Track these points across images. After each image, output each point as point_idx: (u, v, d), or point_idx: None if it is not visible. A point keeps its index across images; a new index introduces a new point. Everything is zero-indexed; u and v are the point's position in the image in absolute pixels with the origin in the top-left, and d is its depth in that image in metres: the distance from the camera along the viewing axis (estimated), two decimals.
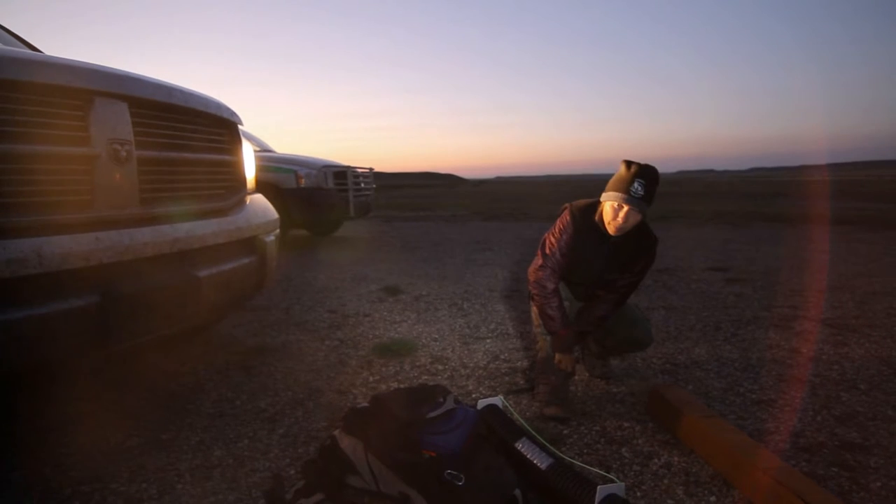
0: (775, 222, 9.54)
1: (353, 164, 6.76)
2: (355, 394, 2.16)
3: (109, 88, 1.51)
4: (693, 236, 7.68)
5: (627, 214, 1.87)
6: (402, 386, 2.22)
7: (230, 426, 1.88)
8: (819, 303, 3.61)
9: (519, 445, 1.48)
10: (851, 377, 2.32)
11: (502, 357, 2.60)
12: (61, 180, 1.41)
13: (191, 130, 1.87)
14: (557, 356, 2.01)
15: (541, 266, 2.03)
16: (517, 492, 1.30)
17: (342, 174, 6.51)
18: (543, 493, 1.40)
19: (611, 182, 1.92)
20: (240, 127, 2.20)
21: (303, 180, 6.05)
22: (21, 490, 1.49)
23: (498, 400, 1.71)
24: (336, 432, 1.43)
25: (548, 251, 2.03)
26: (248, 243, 2.09)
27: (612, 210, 1.90)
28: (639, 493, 1.50)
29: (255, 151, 3.83)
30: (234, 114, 2.13)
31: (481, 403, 1.69)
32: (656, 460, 1.67)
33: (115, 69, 1.59)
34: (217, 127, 2.04)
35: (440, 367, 2.46)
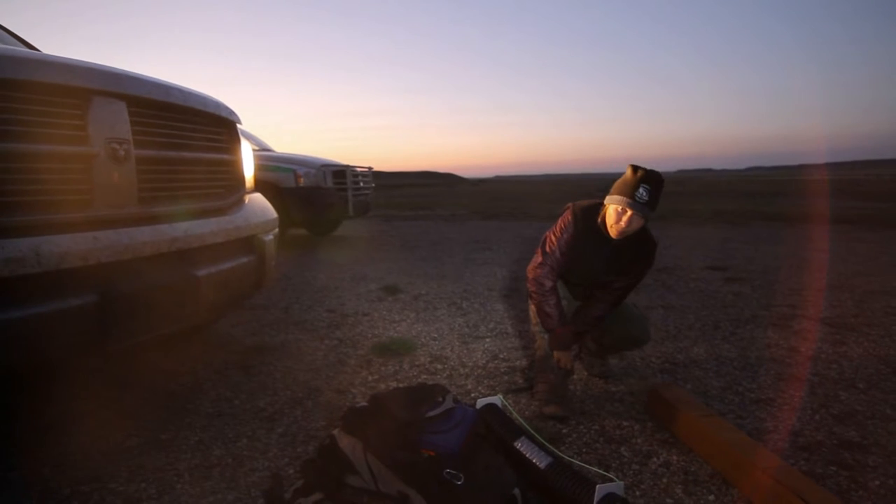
0: (774, 221, 9.56)
1: (352, 164, 6.77)
2: (354, 393, 2.16)
3: (108, 87, 1.50)
4: (692, 235, 7.68)
5: (631, 219, 1.87)
6: (401, 385, 2.22)
7: (229, 425, 1.88)
8: (818, 302, 3.62)
9: (518, 444, 1.48)
10: (850, 376, 2.33)
11: (501, 356, 2.60)
12: (59, 179, 1.41)
13: (189, 129, 1.87)
14: (556, 354, 2.02)
15: (540, 264, 2.03)
16: (516, 491, 1.30)
17: (341, 173, 6.51)
18: (542, 492, 1.40)
19: (616, 185, 1.92)
20: (238, 126, 2.19)
21: (302, 179, 6.04)
22: (20, 490, 1.49)
23: (497, 399, 1.71)
24: (335, 431, 1.43)
25: (548, 249, 2.04)
26: (247, 242, 2.09)
27: (615, 213, 1.90)
28: (638, 492, 1.50)
29: (254, 150, 3.82)
30: (232, 113, 2.13)
31: (480, 402, 1.69)
32: (655, 459, 1.67)
33: (114, 68, 1.59)
34: (216, 126, 2.04)
35: (439, 367, 2.46)
